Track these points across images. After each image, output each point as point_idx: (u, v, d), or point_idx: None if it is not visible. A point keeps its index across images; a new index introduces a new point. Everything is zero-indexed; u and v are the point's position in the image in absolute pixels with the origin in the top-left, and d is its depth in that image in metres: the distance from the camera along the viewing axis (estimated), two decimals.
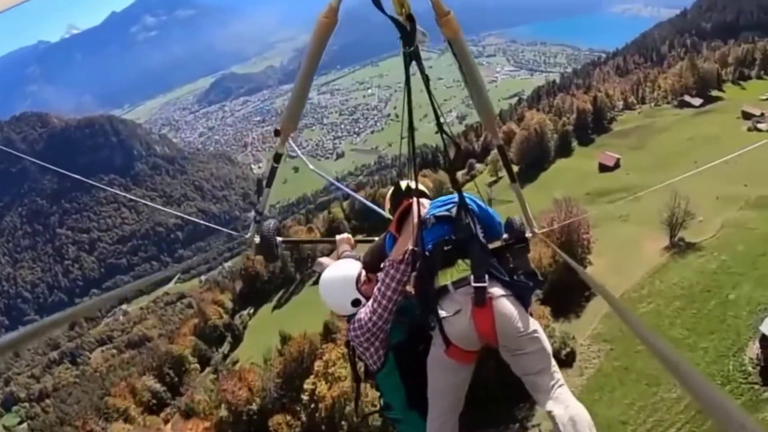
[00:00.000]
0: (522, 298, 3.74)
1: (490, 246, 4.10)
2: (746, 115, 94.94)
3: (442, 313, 3.63)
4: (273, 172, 4.38)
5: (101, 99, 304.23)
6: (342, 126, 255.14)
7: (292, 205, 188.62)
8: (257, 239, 4.98)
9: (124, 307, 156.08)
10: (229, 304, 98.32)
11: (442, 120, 3.56)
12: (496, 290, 3.63)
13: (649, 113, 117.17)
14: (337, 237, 4.98)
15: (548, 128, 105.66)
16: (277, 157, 4.13)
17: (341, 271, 4.25)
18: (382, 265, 3.95)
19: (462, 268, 3.74)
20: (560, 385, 3.52)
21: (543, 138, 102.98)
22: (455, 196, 4.01)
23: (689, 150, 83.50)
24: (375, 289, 3.88)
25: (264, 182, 4.54)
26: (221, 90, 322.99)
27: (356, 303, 4.09)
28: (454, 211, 3.98)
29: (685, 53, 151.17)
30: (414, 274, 3.85)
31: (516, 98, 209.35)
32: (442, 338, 3.67)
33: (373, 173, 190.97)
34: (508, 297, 3.65)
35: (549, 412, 3.39)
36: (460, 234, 3.86)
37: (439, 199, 4.20)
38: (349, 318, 4.13)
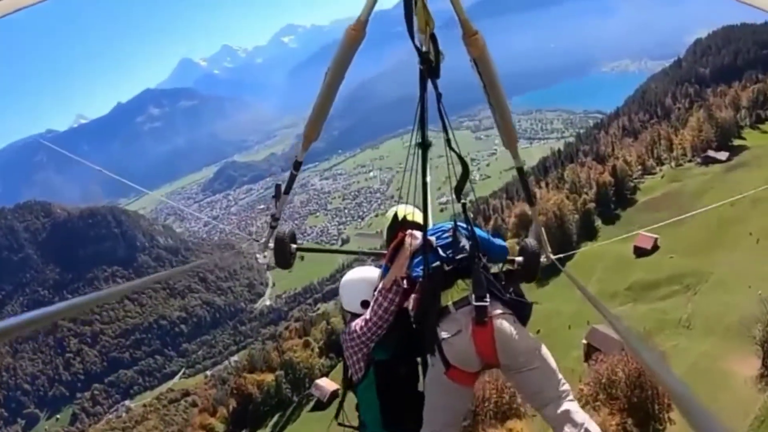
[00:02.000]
0: (521, 317, 3.73)
1: (499, 268, 4.21)
2: None
3: (443, 335, 3.62)
4: (292, 178, 4.44)
5: (108, 188, 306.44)
6: (346, 210, 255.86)
7: (299, 295, 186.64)
8: (272, 244, 5.05)
9: (127, 403, 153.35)
10: (220, 428, 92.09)
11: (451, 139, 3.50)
12: (497, 309, 3.61)
13: (673, 176, 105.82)
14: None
15: (567, 208, 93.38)
16: (297, 165, 4.20)
17: (366, 272, 4.47)
18: (375, 293, 4.10)
19: (462, 288, 3.75)
20: (569, 399, 3.51)
21: (563, 221, 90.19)
22: (450, 223, 4.17)
23: (740, 217, 70.21)
24: (369, 309, 4.06)
25: (282, 188, 4.61)
26: (225, 179, 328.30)
27: (365, 304, 4.23)
28: (449, 234, 4.10)
29: (690, 104, 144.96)
30: (414, 296, 4.09)
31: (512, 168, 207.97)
32: (441, 360, 3.65)
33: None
34: (508, 316, 3.63)
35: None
36: (459, 254, 3.93)
37: (436, 225, 4.35)
38: (350, 321, 4.27)
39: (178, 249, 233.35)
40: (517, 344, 3.55)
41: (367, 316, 4.02)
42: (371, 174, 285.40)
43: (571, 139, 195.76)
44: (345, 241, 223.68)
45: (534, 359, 3.59)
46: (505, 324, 3.57)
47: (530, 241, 4.88)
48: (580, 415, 3.43)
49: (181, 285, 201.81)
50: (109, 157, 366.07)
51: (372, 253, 6.11)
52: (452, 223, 4.14)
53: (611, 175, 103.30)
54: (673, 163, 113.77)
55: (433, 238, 4.09)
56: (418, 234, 4.17)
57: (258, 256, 5.33)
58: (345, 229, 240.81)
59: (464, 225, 4.09)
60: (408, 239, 4.11)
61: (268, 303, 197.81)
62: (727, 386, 40.47)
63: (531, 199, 4.80)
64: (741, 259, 60.52)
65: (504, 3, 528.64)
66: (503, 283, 3.85)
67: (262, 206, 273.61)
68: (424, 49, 2.93)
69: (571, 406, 3.48)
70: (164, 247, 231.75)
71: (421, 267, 3.99)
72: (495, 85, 3.12)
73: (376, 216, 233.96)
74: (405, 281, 4.06)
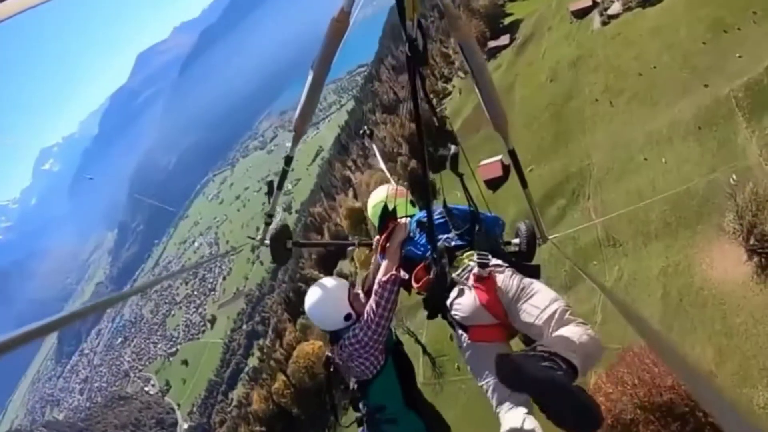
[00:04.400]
0: (532, 275, 3.81)
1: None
2: (579, 14, 78.40)
3: (449, 301, 3.83)
4: (284, 174, 4.49)
5: None
6: (196, 292, 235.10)
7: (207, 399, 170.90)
8: (267, 242, 4.93)
9: None
10: None
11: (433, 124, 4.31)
12: (497, 266, 3.81)
13: (468, 85, 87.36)
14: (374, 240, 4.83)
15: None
16: (288, 160, 4.26)
17: (330, 289, 4.54)
18: (374, 287, 4.22)
19: (460, 262, 3.99)
20: (568, 311, 3.43)
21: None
22: (439, 206, 4.47)
23: (571, 89, 65.67)
24: (368, 307, 4.22)
25: (275, 184, 4.66)
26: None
27: (348, 317, 4.43)
28: (441, 215, 4.42)
29: (442, 16, 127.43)
30: (429, 280, 4.12)
31: (318, 156, 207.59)
32: (460, 327, 3.83)
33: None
34: (507, 269, 3.81)
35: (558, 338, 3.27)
36: (459, 230, 4.25)
37: (423, 212, 4.51)
38: (334, 336, 4.47)
39: None
40: (516, 283, 3.68)
41: (375, 314, 4.15)
42: (196, 244, 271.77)
43: (351, 104, 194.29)
44: (213, 321, 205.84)
45: (533, 288, 3.63)
46: (505, 275, 3.75)
47: (525, 222, 4.86)
48: (580, 329, 3.30)
49: None
50: None
51: (368, 243, 5.24)
52: (442, 205, 4.43)
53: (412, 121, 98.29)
54: (461, 73, 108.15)
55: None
56: (404, 222, 4.45)
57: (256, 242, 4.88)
58: (205, 310, 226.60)
59: (452, 205, 4.47)
60: (399, 228, 4.36)
61: (186, 427, 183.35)
62: (722, 291, 34.52)
63: (524, 181, 4.52)
64: (612, 133, 54.86)
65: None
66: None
67: (119, 339, 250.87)
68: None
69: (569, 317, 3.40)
70: None
71: (418, 247, 4.30)
72: (481, 68, 3.19)
73: (224, 278, 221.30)
74: (401, 270, 4.20)
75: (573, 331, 3.24)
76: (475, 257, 3.80)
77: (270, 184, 4.68)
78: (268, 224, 4.99)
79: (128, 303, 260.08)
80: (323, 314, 4.51)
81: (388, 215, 4.56)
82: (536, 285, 3.68)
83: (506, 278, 3.73)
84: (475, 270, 3.77)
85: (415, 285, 4.30)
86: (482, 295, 3.70)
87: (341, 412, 5.05)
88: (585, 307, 39.60)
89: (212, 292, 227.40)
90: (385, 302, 4.14)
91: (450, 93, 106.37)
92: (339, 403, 4.97)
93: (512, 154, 4.21)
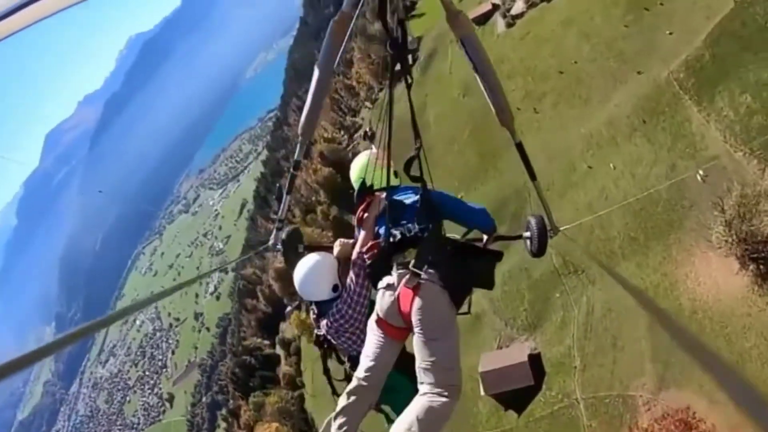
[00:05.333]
0: (454, 295, 3.89)
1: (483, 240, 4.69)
2: (480, 20, 71.49)
3: (380, 285, 4.03)
4: (292, 179, 4.40)
5: None
6: (147, 373, 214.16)
7: None
8: (279, 246, 4.85)
9: None
10: None
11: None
12: (432, 279, 3.80)
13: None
14: (336, 242, 4.97)
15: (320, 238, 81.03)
16: (297, 165, 4.17)
17: (323, 259, 4.70)
18: (352, 259, 4.40)
19: (409, 255, 3.99)
20: (444, 396, 3.55)
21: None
22: (419, 188, 4.35)
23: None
24: (348, 280, 4.39)
25: (284, 189, 4.54)
26: None
27: (335, 288, 4.60)
28: (414, 201, 4.34)
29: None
30: (372, 255, 4.25)
31: (244, 210, 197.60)
32: (376, 310, 4.05)
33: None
34: (440, 288, 3.81)
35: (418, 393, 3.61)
36: (422, 223, 4.16)
37: (406, 187, 4.55)
38: (321, 310, 4.64)
39: None
40: (432, 313, 3.75)
41: (355, 285, 4.32)
42: (138, 322, 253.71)
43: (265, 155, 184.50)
44: (171, 399, 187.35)
45: (442, 330, 3.74)
46: (430, 293, 3.78)
47: (535, 216, 4.69)
48: (437, 403, 3.52)
49: None
50: None
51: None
52: (420, 189, 4.33)
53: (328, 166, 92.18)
54: (368, 104, 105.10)
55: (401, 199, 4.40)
56: (380, 197, 4.48)
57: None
58: (161, 389, 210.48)
59: (436, 191, 4.44)
60: (375, 202, 4.47)
61: None
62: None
63: (533, 174, 4.42)
64: (544, 143, 46.32)
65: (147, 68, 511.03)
66: (474, 256, 4.15)
67: None
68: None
69: (436, 399, 3.54)
70: None
71: (384, 228, 4.24)
72: (483, 63, 3.19)
73: (173, 352, 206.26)
74: (370, 244, 4.29)
75: (423, 408, 3.47)
76: (413, 262, 3.81)
77: (279, 188, 5.01)
78: (279, 229, 4.77)
79: (81, 397, 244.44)
80: (313, 283, 4.58)
81: (365, 190, 4.60)
82: (449, 330, 3.77)
83: (432, 298, 3.74)
84: (407, 276, 3.79)
85: (365, 256, 4.29)
86: (404, 301, 3.78)
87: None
88: (558, 350, 35.90)
89: (164, 369, 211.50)
90: (363, 272, 4.23)
91: (360, 126, 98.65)
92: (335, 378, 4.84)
93: (519, 147, 4.11)
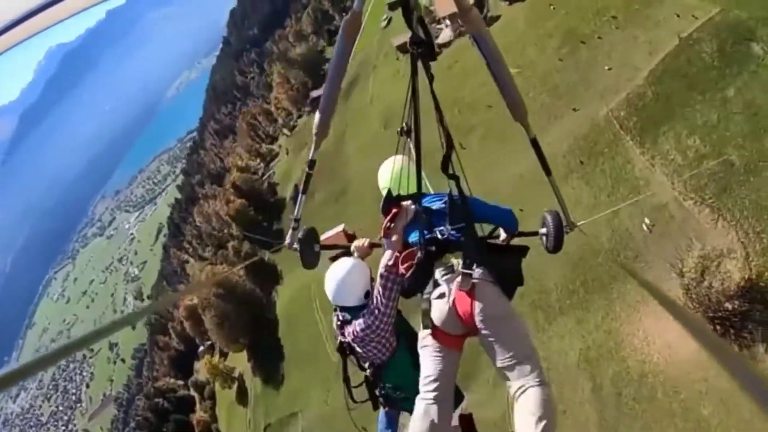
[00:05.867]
0: (506, 289, 3.86)
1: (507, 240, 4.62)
2: (405, 48, 72.64)
3: (427, 297, 3.85)
4: (308, 178, 4.30)
5: None
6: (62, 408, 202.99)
7: None
8: (296, 246, 4.60)
9: None
10: None
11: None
12: (481, 276, 3.74)
13: (299, 143, 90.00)
14: (354, 244, 4.98)
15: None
16: (312, 164, 4.11)
17: (359, 264, 4.56)
18: (379, 271, 4.28)
19: (448, 259, 3.94)
20: (537, 383, 3.43)
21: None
22: (445, 193, 4.29)
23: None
24: (375, 292, 4.28)
25: (300, 189, 4.62)
26: None
27: (367, 295, 4.45)
28: (444, 205, 4.25)
29: (260, 67, 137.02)
30: (411, 265, 4.06)
31: (161, 234, 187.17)
32: (428, 321, 3.83)
33: None
34: (492, 284, 3.77)
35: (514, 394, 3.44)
36: (455, 225, 4.09)
37: (433, 194, 4.49)
38: (345, 317, 4.50)
39: None
40: (494, 309, 3.66)
41: (383, 298, 4.20)
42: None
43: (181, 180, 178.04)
44: None
45: (511, 327, 3.68)
46: (487, 290, 3.70)
47: (551, 212, 4.49)
48: (538, 394, 3.37)
49: None
50: None
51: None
52: (447, 193, 4.25)
53: (241, 197, 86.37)
54: (285, 131, 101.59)
55: (429, 206, 4.30)
56: (412, 207, 4.36)
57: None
58: (75, 426, 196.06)
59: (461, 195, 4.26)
60: (402, 212, 4.31)
61: None
62: None
63: (548, 169, 4.22)
64: (470, 182, 43.66)
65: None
66: (499, 253, 4.17)
67: None
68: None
69: (534, 391, 3.39)
70: None
71: (416, 235, 4.15)
72: (497, 59, 3.17)
73: (88, 385, 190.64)
74: (402, 255, 4.16)
75: (533, 402, 3.31)
76: (460, 266, 3.76)
77: (295, 187, 4.88)
78: (295, 229, 4.51)
79: None
80: (348, 288, 4.46)
81: (392, 201, 4.45)
82: (516, 321, 3.73)
83: (490, 297, 3.69)
84: (459, 279, 3.73)
85: (401, 267, 4.18)
86: (461, 307, 3.69)
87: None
88: (492, 413, 30.40)
89: (78, 404, 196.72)
90: (391, 285, 4.16)
91: (277, 154, 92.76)
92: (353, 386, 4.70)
93: (534, 142, 3.97)
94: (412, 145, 4.14)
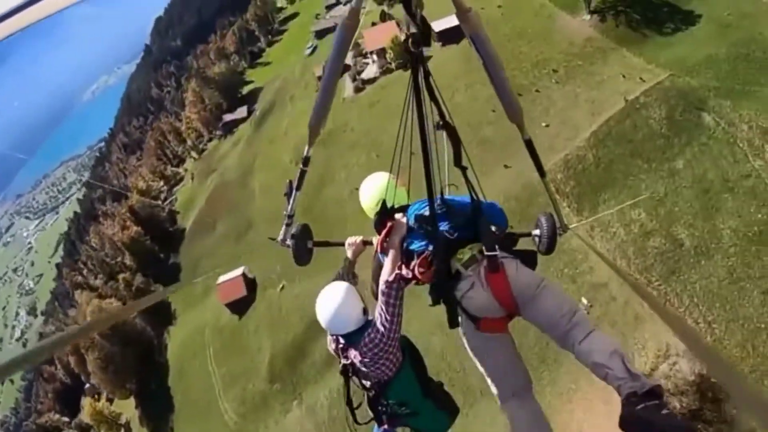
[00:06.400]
0: (527, 263, 3.93)
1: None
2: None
3: (459, 294, 3.81)
4: (302, 175, 4.18)
5: None
6: None
7: None
8: (289, 242, 4.59)
9: None
10: None
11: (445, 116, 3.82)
12: (503, 255, 3.81)
13: (206, 170, 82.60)
14: (347, 241, 4.79)
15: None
16: (306, 161, 4.06)
17: (344, 288, 4.32)
18: (380, 288, 4.17)
19: (464, 254, 3.91)
20: (590, 330, 3.50)
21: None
22: (437, 197, 4.27)
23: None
24: (378, 309, 4.14)
25: (293, 185, 4.33)
26: None
27: (365, 311, 4.35)
28: (440, 206, 4.22)
29: (177, 82, 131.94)
30: (430, 270, 4.00)
31: (59, 246, 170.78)
32: (469, 318, 3.86)
33: None
34: (512, 260, 3.83)
35: (584, 355, 3.44)
36: (459, 220, 4.07)
37: (416, 202, 4.46)
38: (347, 339, 4.33)
39: None
40: (527, 278, 3.74)
41: (387, 314, 4.08)
42: None
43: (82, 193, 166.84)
44: None
45: (544, 285, 3.72)
46: (514, 267, 3.76)
47: (545, 213, 4.62)
48: (605, 340, 3.43)
49: None
50: None
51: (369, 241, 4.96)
52: (439, 196, 4.28)
53: (138, 224, 78.43)
54: (194, 154, 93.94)
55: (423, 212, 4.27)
56: (404, 220, 4.32)
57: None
58: None
59: (449, 196, 4.36)
60: (397, 226, 4.24)
61: None
62: None
63: (542, 171, 4.25)
64: None
65: None
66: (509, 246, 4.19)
67: None
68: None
69: (596, 335, 3.47)
70: None
71: (419, 241, 4.13)
72: (493, 60, 3.15)
73: None
74: (404, 268, 4.10)
75: (604, 344, 3.38)
76: (483, 250, 3.78)
77: (290, 183, 4.26)
78: (288, 225, 4.50)
79: None
80: (343, 318, 4.25)
81: (386, 213, 4.40)
82: (547, 280, 3.80)
83: (516, 271, 3.76)
84: (485, 263, 3.76)
85: (419, 276, 4.03)
86: (497, 289, 3.72)
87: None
88: None
89: None
90: (393, 301, 4.05)
91: (182, 178, 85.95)
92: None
93: (528, 143, 3.98)
94: (446, 140, 4.02)
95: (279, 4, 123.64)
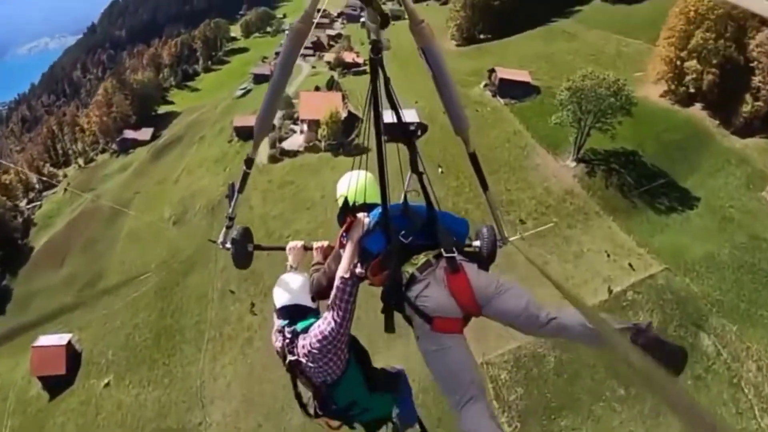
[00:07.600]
0: (481, 267, 3.92)
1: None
2: (243, 133, 55.21)
3: (412, 294, 3.74)
4: (245, 177, 4.22)
5: None
6: None
7: None
8: (228, 245, 4.59)
9: None
10: None
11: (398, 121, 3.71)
12: (462, 258, 3.83)
13: (85, 181, 71.14)
14: (288, 246, 4.70)
15: None
16: (249, 162, 4.06)
17: (298, 279, 4.30)
18: (335, 283, 4.04)
19: (419, 259, 3.87)
20: (557, 308, 3.58)
21: None
22: (398, 202, 4.24)
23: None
24: (330, 303, 4.03)
25: (236, 186, 4.36)
26: None
27: (313, 299, 4.32)
28: (400, 211, 4.19)
29: (104, 71, 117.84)
30: (382, 274, 3.98)
31: None
32: (422, 317, 3.75)
33: None
34: (470, 264, 3.82)
35: (556, 321, 3.48)
36: (416, 224, 4.07)
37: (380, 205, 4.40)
38: (297, 330, 4.18)
39: None
40: (486, 278, 3.71)
41: (339, 311, 3.94)
42: None
43: None
44: None
45: (502, 283, 3.71)
46: (472, 268, 3.76)
47: (486, 226, 4.69)
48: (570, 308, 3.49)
49: None
50: None
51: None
52: (401, 201, 4.26)
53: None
54: (81, 160, 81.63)
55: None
56: (366, 219, 4.24)
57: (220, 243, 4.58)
58: None
59: (413, 203, 4.30)
60: (357, 223, 4.17)
61: None
62: None
63: (485, 184, 4.37)
64: None
65: None
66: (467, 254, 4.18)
67: None
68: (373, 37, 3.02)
69: (558, 306, 3.56)
70: None
71: (378, 243, 4.09)
72: (442, 73, 3.23)
73: None
74: (360, 266, 4.07)
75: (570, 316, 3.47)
76: (440, 254, 3.79)
77: (232, 186, 4.27)
78: (229, 227, 4.55)
79: None
80: (302, 282, 4.24)
81: (349, 210, 4.28)
82: (503, 277, 3.82)
83: (476, 271, 3.76)
84: (443, 265, 3.75)
85: (371, 278, 4.08)
86: (458, 290, 3.68)
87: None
88: None
89: None
90: (348, 297, 3.92)
91: (56, 184, 73.64)
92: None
93: (473, 157, 4.06)
94: (408, 152, 3.87)
95: (233, 34, 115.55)
